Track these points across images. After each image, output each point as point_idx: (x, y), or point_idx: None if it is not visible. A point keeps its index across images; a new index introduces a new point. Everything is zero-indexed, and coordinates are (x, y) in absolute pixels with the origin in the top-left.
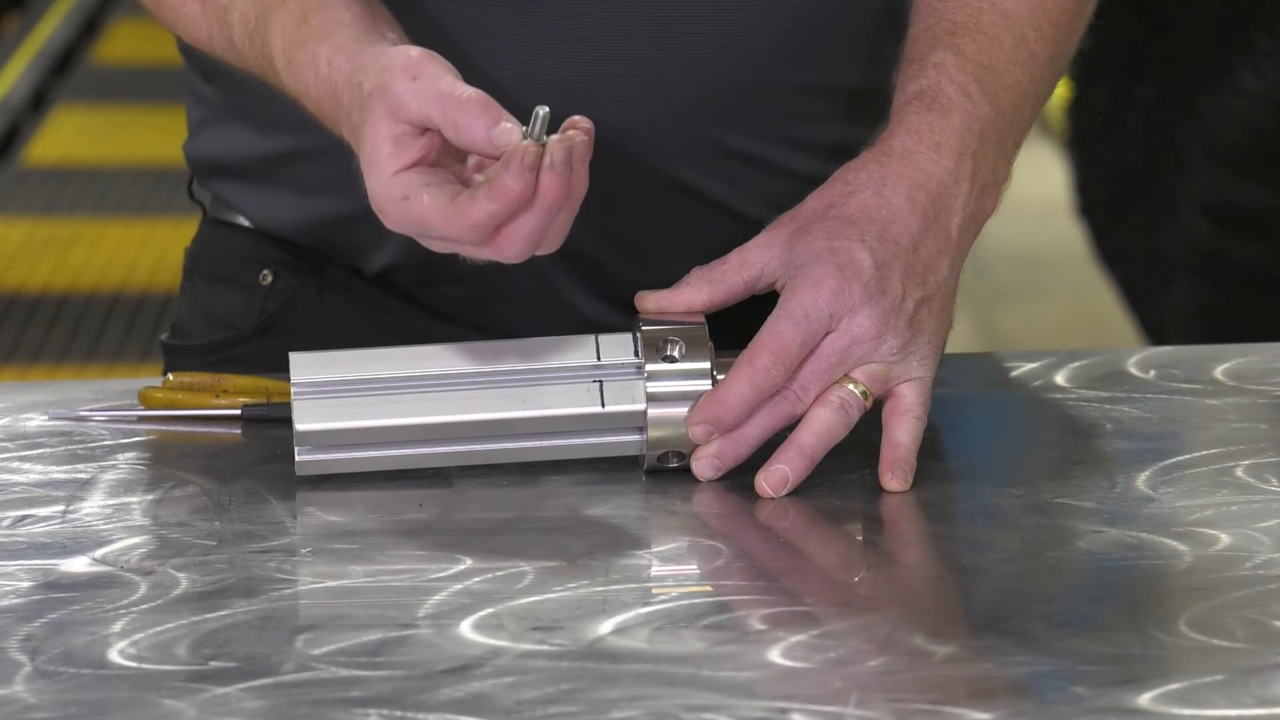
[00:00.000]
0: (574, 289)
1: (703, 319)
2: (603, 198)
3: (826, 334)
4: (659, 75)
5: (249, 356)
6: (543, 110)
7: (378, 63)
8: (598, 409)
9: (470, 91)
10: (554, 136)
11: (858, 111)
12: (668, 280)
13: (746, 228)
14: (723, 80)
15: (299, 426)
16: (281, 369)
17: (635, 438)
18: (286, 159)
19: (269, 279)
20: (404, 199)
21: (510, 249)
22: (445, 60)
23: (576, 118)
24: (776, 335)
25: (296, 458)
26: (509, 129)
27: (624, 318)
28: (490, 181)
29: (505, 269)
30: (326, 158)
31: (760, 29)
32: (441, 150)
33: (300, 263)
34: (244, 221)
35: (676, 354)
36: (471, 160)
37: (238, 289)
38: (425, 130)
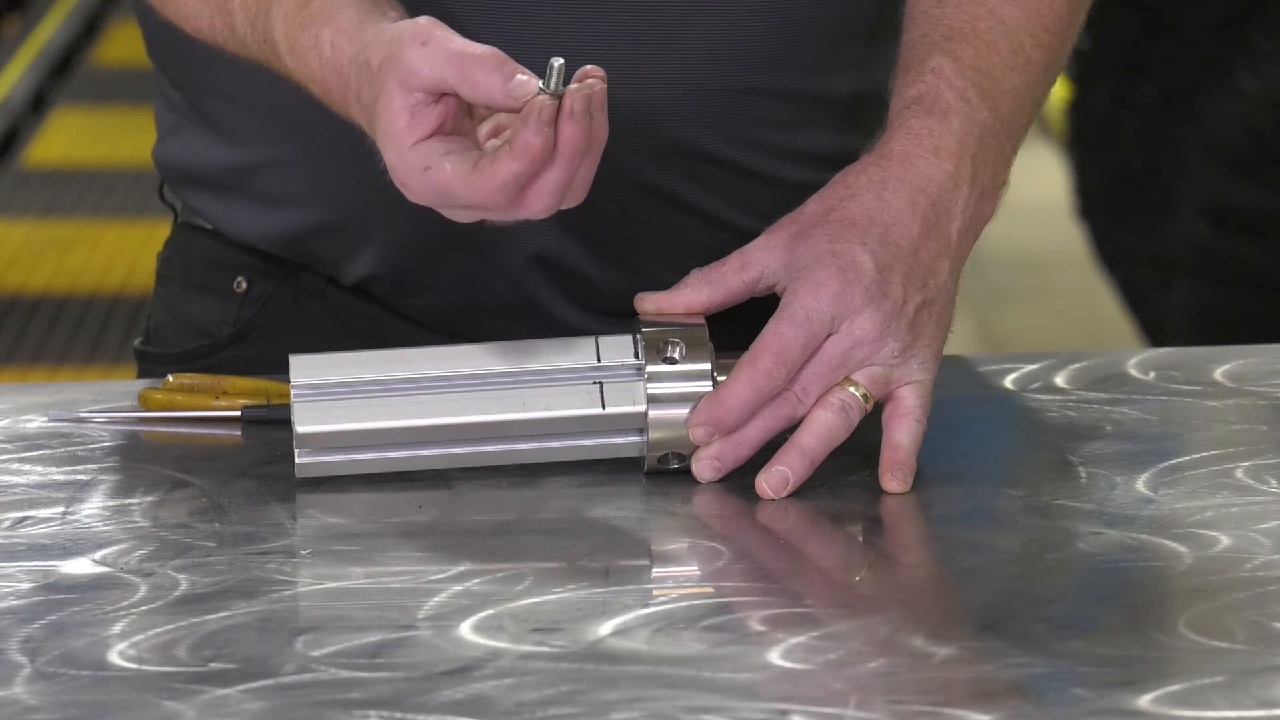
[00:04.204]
0: (552, 297)
1: (703, 320)
2: (581, 203)
3: (828, 336)
4: (637, 80)
5: (225, 364)
6: (558, 62)
7: (384, 36)
8: (598, 410)
9: (482, 48)
10: (570, 86)
11: (847, 119)
12: (647, 287)
13: (730, 235)
14: (701, 86)
15: (299, 429)
16: (258, 376)
17: (635, 439)
18: (255, 170)
19: (243, 286)
20: (425, 169)
21: (537, 204)
22: (449, 26)
23: (589, 67)
24: (778, 337)
25: (296, 460)
26: (525, 81)
27: (603, 326)
28: (510, 141)
29: (482, 277)
30: (296, 168)
31: (739, 35)
32: (457, 116)
33: (275, 269)
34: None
35: (677, 355)
36: (484, 129)
37: (212, 296)
38: (440, 97)
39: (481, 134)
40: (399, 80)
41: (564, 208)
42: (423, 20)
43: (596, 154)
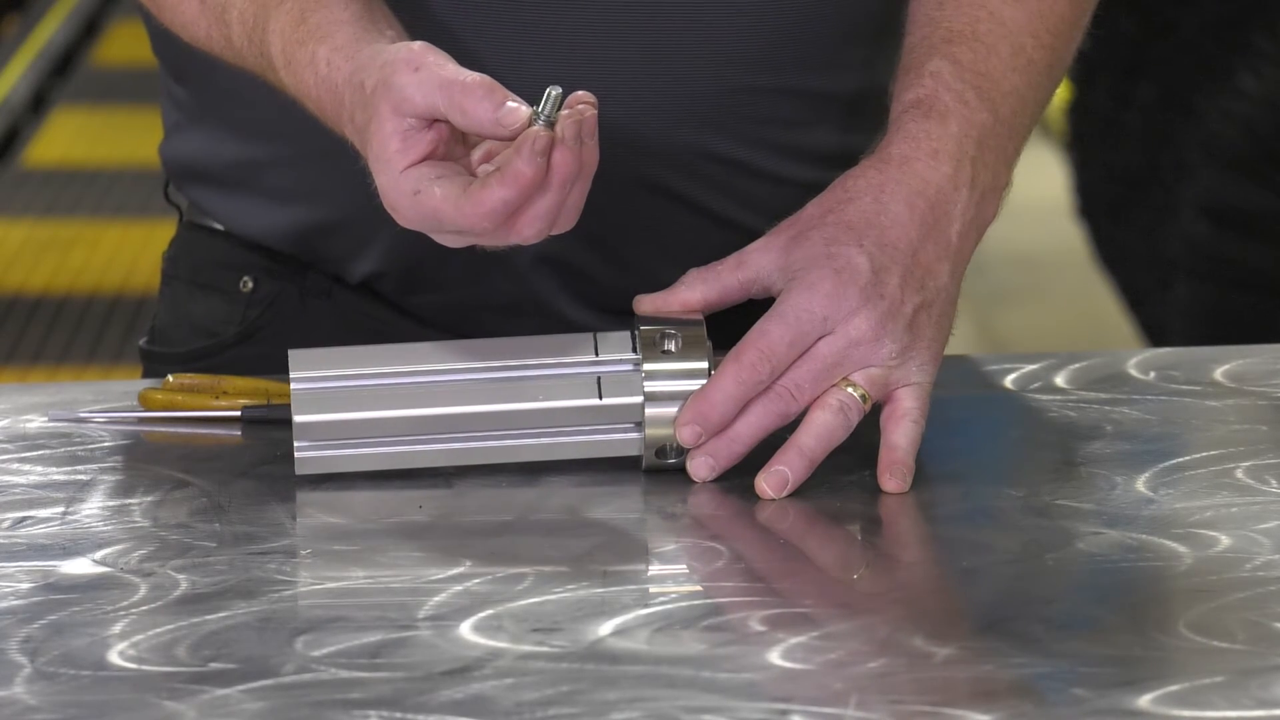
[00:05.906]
0: (558, 295)
1: (700, 316)
2: (587, 203)
3: (821, 337)
4: (642, 81)
5: (231, 364)
6: (555, 91)
7: (378, 60)
8: (595, 402)
9: (473, 76)
10: (561, 113)
11: (853, 118)
12: (653, 286)
13: (736, 234)
14: (707, 86)
15: (298, 418)
16: (260, 376)
17: (634, 435)
18: (261, 166)
19: (249, 285)
20: (415, 194)
21: (527, 230)
22: (444, 52)
23: (580, 93)
24: (764, 334)
25: (296, 454)
26: (515, 108)
27: (608, 324)
28: (502, 168)
29: (489, 275)
30: (303, 165)
31: (745, 35)
32: (450, 142)
33: (281, 268)
34: (222, 226)
35: (673, 348)
36: (477, 154)
37: (218, 295)
38: (432, 123)
39: (474, 159)
40: (391, 105)
41: (554, 233)
42: (417, 45)
43: (587, 179)
